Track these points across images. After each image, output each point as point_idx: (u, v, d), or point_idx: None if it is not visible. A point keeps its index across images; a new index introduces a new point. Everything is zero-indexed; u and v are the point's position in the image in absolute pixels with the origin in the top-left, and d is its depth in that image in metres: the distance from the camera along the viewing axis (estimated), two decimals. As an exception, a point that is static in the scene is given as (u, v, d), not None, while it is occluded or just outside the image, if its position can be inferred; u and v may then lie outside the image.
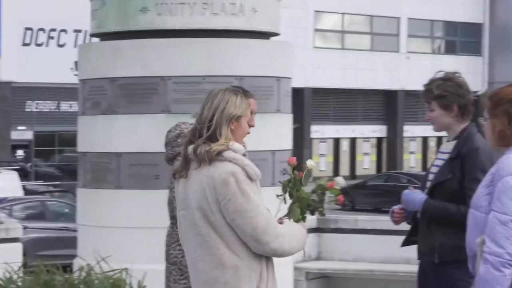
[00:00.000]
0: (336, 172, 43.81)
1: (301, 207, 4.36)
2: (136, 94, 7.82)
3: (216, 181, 4.13)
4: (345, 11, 43.45)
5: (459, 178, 5.10)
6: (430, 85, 5.23)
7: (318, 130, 42.79)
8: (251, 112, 4.81)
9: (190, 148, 4.21)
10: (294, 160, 4.45)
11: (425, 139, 46.27)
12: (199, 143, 4.18)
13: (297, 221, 4.35)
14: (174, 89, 7.74)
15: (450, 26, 47.64)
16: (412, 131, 45.18)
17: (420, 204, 5.14)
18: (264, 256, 4.23)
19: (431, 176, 5.25)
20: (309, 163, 4.46)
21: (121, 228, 7.70)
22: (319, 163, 41.74)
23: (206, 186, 4.15)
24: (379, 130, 45.52)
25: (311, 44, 41.82)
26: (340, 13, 43.54)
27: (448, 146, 5.26)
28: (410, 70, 44.42)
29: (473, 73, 46.08)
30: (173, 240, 5.20)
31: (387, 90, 44.82)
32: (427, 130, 45.66)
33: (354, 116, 44.87)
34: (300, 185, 4.38)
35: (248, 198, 4.12)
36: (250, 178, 4.16)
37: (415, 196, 5.16)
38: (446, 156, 5.23)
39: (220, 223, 4.15)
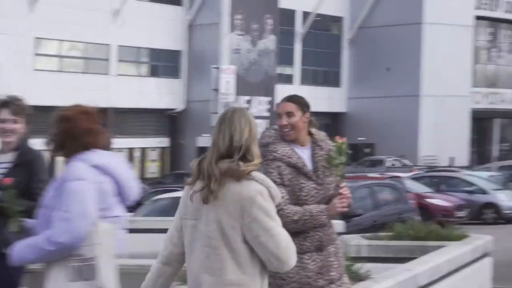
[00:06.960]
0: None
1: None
2: None
3: (243, 198, 3.79)
4: (63, 38, 43.10)
5: (25, 181, 5.13)
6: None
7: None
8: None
9: (218, 166, 3.83)
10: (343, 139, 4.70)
11: (131, 150, 46.59)
12: (231, 163, 3.82)
13: None
14: None
15: (154, 53, 48.09)
16: (120, 143, 45.25)
17: None
18: (266, 274, 3.93)
19: None
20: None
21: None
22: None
23: (231, 202, 3.80)
24: (91, 143, 45.25)
25: (32, 67, 41.17)
26: (59, 40, 43.16)
27: (7, 157, 5.29)
28: (119, 90, 44.63)
29: (174, 93, 47.24)
30: None
31: (99, 108, 44.75)
32: (132, 143, 46.06)
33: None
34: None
35: (272, 217, 3.82)
36: (272, 198, 3.86)
37: None
38: (7, 165, 5.23)
39: (236, 240, 3.81)
